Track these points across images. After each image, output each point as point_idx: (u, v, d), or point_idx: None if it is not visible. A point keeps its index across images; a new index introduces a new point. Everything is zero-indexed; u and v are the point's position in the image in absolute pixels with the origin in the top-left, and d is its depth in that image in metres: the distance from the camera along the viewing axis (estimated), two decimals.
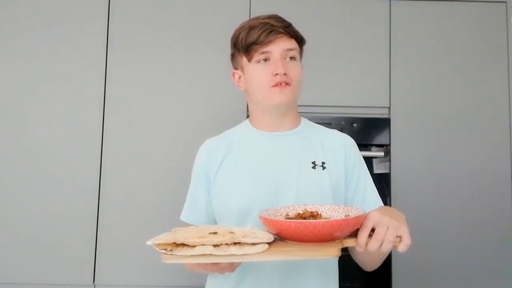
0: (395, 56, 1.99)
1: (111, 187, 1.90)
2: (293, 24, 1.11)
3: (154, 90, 1.95)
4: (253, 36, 1.05)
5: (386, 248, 0.82)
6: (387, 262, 1.89)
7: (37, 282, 1.85)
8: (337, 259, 1.10)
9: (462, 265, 1.89)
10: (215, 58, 1.94)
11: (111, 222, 1.88)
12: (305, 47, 1.15)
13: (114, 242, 1.88)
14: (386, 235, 0.81)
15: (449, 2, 2.02)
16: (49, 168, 1.90)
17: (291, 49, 1.08)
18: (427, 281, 1.89)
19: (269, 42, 1.05)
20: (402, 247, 0.82)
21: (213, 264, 0.84)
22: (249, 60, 1.09)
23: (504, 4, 2.01)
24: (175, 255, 0.78)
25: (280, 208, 0.94)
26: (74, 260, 1.86)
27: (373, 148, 1.96)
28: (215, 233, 0.81)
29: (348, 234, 0.83)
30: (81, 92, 1.94)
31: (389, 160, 1.93)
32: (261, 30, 1.05)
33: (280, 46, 1.06)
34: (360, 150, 1.19)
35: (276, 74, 1.05)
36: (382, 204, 1.13)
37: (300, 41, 1.12)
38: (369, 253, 0.83)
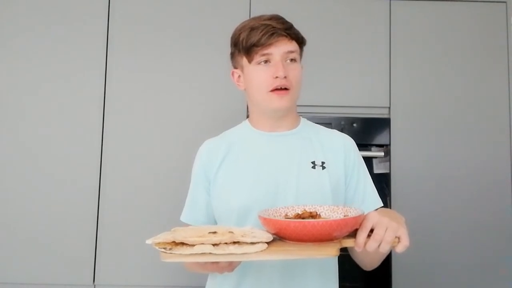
0: (395, 56, 1.99)
1: (111, 187, 1.90)
2: (293, 24, 1.11)
3: (154, 90, 1.96)
4: (254, 37, 1.05)
5: (384, 249, 0.82)
6: (387, 262, 1.89)
7: (37, 282, 1.85)
8: (337, 259, 1.10)
9: (462, 265, 1.89)
10: (215, 58, 1.94)
11: (111, 222, 1.88)
12: (305, 47, 1.15)
13: (114, 242, 1.88)
14: (385, 236, 0.82)
15: (449, 2, 2.02)
16: (49, 168, 1.90)
17: (292, 51, 1.08)
18: (427, 281, 1.89)
19: (270, 45, 1.05)
20: (400, 248, 0.83)
21: (212, 263, 0.85)
22: (250, 61, 1.09)
23: (504, 4, 2.01)
24: (175, 253, 0.78)
25: (279, 209, 0.95)
26: (74, 260, 1.86)
27: (373, 148, 1.96)
28: (215, 232, 0.81)
29: (347, 234, 0.83)
30: (81, 92, 1.94)
31: (389, 160, 1.93)
32: (262, 32, 1.04)
33: (281, 48, 1.06)
34: (360, 150, 1.19)
35: (276, 77, 1.05)
36: (382, 204, 1.13)
37: (301, 42, 1.12)
38: (368, 253, 0.84)
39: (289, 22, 1.10)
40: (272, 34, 1.05)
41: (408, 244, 0.83)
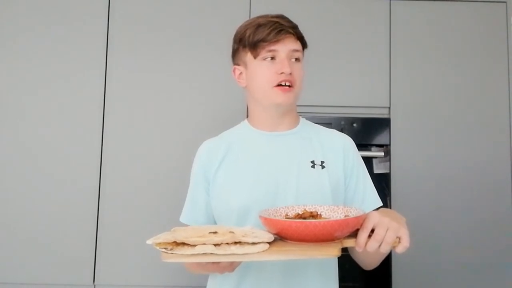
0: (395, 56, 1.99)
1: (111, 187, 1.90)
2: None
3: (154, 90, 1.95)
4: (262, 33, 1.06)
5: (384, 249, 0.82)
6: (387, 262, 1.89)
7: (37, 282, 1.85)
8: (337, 259, 1.10)
9: (462, 265, 1.89)
10: (215, 58, 1.94)
11: (111, 222, 1.88)
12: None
13: (114, 242, 1.88)
14: (386, 236, 0.82)
15: (449, 2, 2.02)
16: (49, 168, 1.90)
17: (297, 50, 1.09)
18: (427, 281, 1.89)
19: (277, 41, 1.06)
20: (400, 249, 0.83)
21: (213, 263, 0.85)
22: (255, 56, 1.09)
23: (504, 4, 2.01)
24: (176, 254, 0.78)
25: (280, 209, 0.95)
26: (74, 260, 1.86)
27: (373, 148, 1.96)
28: (215, 232, 0.81)
29: (348, 234, 0.83)
30: (81, 92, 1.94)
31: (389, 160, 1.94)
32: (270, 28, 1.05)
33: (288, 46, 1.07)
34: (360, 150, 1.19)
35: (282, 73, 1.05)
36: (382, 204, 1.13)
37: (304, 43, 1.13)
38: (368, 253, 0.84)
39: (294, 22, 1.11)
40: (280, 31, 1.06)
41: (408, 245, 0.83)
